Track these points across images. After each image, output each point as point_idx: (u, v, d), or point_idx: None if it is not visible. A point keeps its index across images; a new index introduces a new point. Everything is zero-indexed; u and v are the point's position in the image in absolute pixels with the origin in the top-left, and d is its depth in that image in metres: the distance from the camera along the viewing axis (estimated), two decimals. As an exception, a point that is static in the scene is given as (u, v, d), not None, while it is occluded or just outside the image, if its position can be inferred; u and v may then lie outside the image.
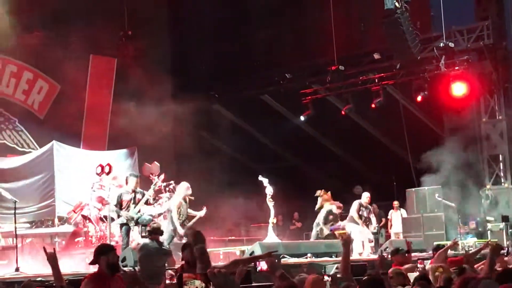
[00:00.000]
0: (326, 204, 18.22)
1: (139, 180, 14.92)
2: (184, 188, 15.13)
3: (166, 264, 11.13)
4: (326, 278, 6.95)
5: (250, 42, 24.33)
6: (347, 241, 7.18)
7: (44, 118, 21.47)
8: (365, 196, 17.51)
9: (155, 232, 11.35)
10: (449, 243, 13.76)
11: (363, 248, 16.99)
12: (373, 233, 18.29)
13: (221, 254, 17.39)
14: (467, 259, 9.30)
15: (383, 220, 21.60)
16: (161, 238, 14.51)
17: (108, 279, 6.43)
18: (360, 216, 17.28)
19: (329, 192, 18.16)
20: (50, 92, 21.67)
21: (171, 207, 15.02)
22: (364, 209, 17.37)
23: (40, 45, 20.59)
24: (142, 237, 12.36)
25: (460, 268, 8.51)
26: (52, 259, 5.75)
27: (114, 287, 6.40)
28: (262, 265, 6.44)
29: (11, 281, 10.52)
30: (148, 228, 12.14)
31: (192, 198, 15.21)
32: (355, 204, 17.36)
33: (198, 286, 3.82)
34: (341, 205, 18.17)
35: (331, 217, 18.24)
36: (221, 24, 24.11)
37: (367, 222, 17.42)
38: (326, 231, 18.14)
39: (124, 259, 13.16)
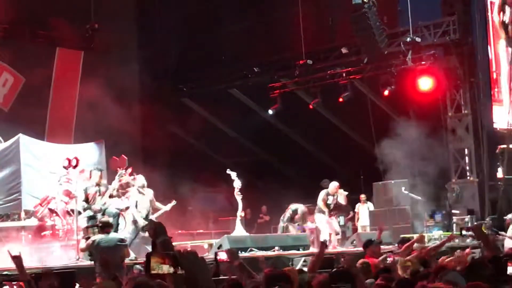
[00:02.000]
0: (293, 204, 18.43)
1: (102, 174, 14.96)
2: (139, 181, 15.22)
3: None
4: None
5: (218, 35, 24.26)
6: (325, 245, 7.83)
7: (9, 111, 21.22)
8: (333, 186, 17.55)
9: (106, 226, 11.39)
10: (415, 236, 13.90)
11: (330, 241, 17.09)
12: (340, 226, 18.45)
13: (189, 247, 17.36)
14: (426, 254, 9.41)
15: (351, 213, 21.74)
16: (126, 232, 14.56)
17: None
18: (328, 205, 17.33)
19: None
20: (15, 85, 21.41)
21: (129, 201, 15.13)
22: (331, 197, 17.42)
23: (6, 37, 20.34)
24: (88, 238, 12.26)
25: (423, 261, 8.62)
26: (18, 262, 5.69)
27: None
28: (222, 255, 6.44)
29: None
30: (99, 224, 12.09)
31: (144, 192, 15.20)
32: (322, 194, 17.46)
33: (166, 271, 3.77)
34: (306, 209, 18.37)
35: (296, 216, 18.40)
36: (190, 17, 24.04)
37: (335, 210, 17.50)
38: (292, 230, 18.27)
39: (91, 253, 13.09)
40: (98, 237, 11.33)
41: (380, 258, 9.33)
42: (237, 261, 6.20)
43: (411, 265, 8.09)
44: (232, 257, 6.30)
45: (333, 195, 17.40)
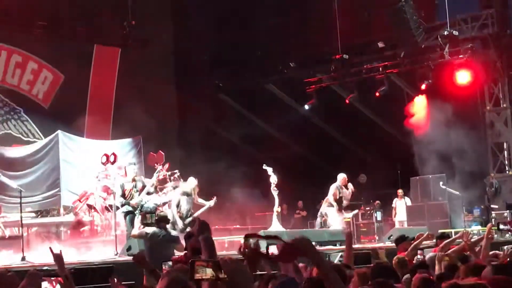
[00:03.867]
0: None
1: (136, 169, 15.08)
2: (190, 184, 15.26)
3: (175, 251, 11.19)
4: None
5: (254, 30, 24.28)
6: (349, 234, 7.69)
7: (49, 108, 21.53)
8: (340, 178, 17.51)
9: (162, 220, 11.35)
10: (453, 231, 13.78)
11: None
12: (377, 221, 18.32)
13: (226, 243, 17.44)
14: (469, 248, 9.25)
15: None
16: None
17: None
18: (339, 199, 17.26)
19: None
20: (54, 82, 21.72)
21: (172, 199, 15.18)
22: (343, 190, 17.36)
23: (45, 35, 20.62)
24: (146, 224, 12.30)
25: (463, 256, 8.51)
26: (59, 259, 5.77)
27: None
28: (273, 250, 6.41)
29: (17, 270, 10.57)
30: (155, 217, 12.09)
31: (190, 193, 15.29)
32: (333, 187, 17.39)
33: (209, 275, 3.79)
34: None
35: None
36: (225, 12, 24.08)
37: (344, 202, 17.44)
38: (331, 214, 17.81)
39: (129, 248, 13.24)
40: (151, 229, 11.31)
41: (405, 253, 9.22)
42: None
43: (448, 260, 7.98)
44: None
45: (346, 187, 17.34)
